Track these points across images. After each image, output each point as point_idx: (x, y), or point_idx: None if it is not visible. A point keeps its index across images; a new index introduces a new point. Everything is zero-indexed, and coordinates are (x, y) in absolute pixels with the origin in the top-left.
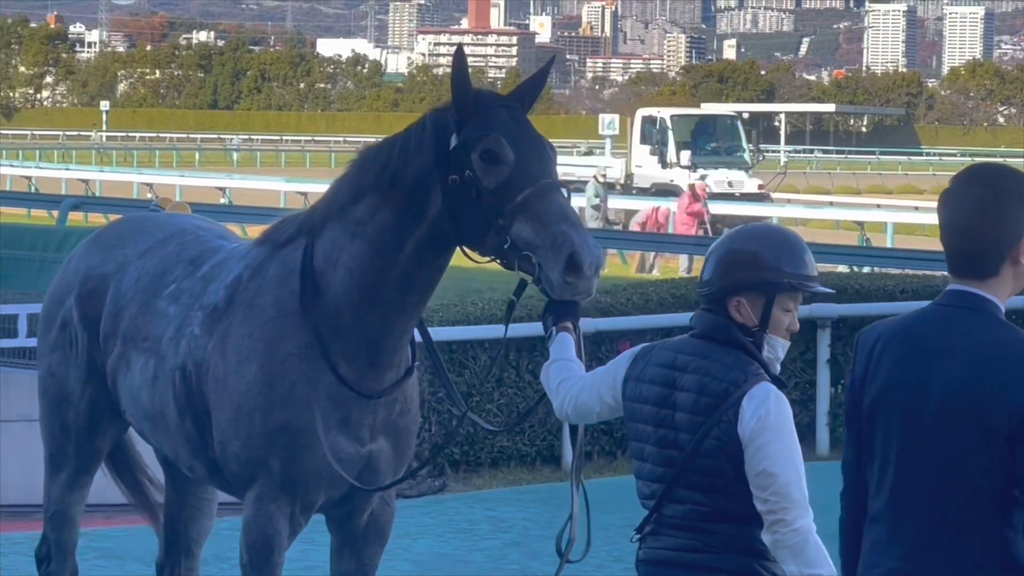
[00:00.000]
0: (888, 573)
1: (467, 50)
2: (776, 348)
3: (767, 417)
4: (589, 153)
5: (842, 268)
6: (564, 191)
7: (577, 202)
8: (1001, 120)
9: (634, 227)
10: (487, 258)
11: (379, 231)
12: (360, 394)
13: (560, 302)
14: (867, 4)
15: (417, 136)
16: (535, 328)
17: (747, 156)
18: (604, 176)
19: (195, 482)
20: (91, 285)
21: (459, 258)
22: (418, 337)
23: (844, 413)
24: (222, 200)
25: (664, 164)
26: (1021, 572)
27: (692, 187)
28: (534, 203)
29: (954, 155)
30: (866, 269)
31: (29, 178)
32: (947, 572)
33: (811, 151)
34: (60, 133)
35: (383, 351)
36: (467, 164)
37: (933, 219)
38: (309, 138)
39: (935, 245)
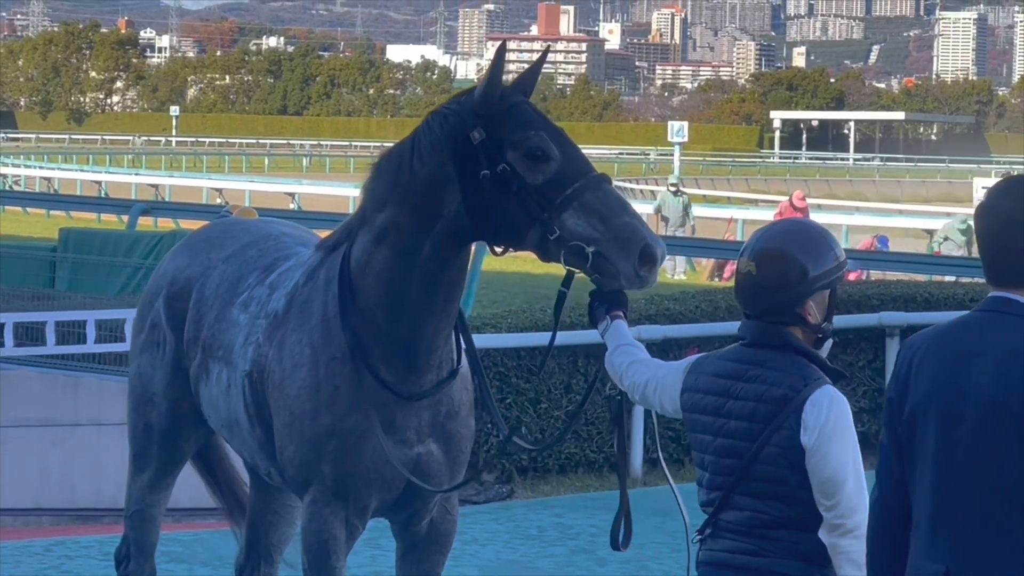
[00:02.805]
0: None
1: (535, 57)
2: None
3: (828, 423)
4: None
5: (920, 277)
6: (612, 184)
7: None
8: None
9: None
10: (519, 250)
11: (399, 235)
12: (399, 396)
13: (611, 292)
14: (937, 12)
15: (426, 137)
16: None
17: None
18: (676, 186)
19: (278, 489)
20: (177, 288)
21: (528, 264)
22: (483, 343)
23: (884, 421)
24: (291, 205)
25: None
26: None
27: (790, 198)
28: (586, 195)
29: None
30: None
31: (99, 183)
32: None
33: (872, 159)
34: (131, 137)
35: (419, 353)
36: (501, 159)
37: None
38: (378, 144)
39: None
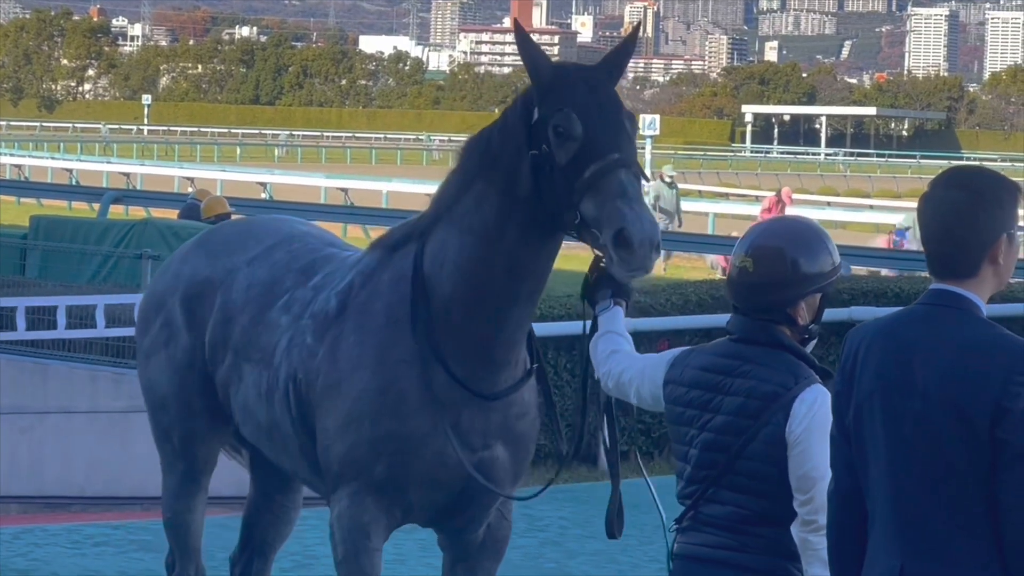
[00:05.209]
0: (887, 571)
1: (508, 48)
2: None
3: (814, 421)
4: None
5: (882, 272)
6: (631, 168)
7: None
8: None
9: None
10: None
11: (483, 219)
12: (476, 395)
13: (617, 280)
14: (909, 8)
15: (512, 113)
16: (574, 327)
17: None
18: (671, 177)
19: (279, 489)
20: (197, 290)
21: None
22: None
23: (832, 412)
24: (263, 195)
25: None
26: None
27: (778, 192)
28: (598, 179)
29: (995, 160)
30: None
31: (70, 171)
32: (947, 572)
33: (835, 154)
34: (101, 125)
35: (496, 347)
36: (544, 139)
37: None
38: (350, 134)
39: None
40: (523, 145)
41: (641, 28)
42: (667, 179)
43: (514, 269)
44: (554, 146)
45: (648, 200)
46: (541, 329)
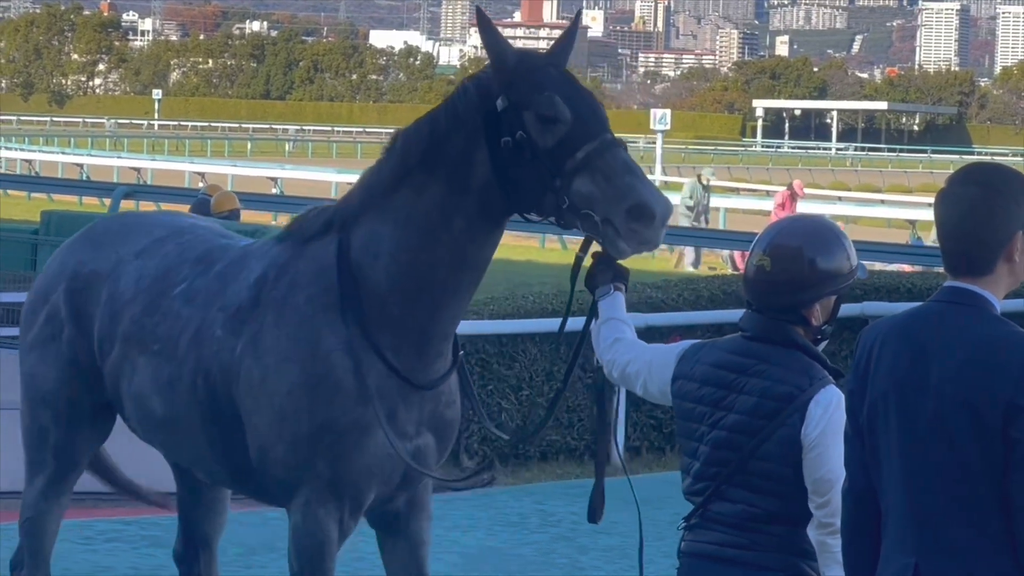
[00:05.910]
0: (901, 569)
1: (519, 43)
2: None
3: (830, 423)
4: None
5: (906, 267)
6: (625, 148)
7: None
8: None
9: None
10: (544, 219)
11: (426, 212)
12: (414, 385)
13: (615, 264)
14: (920, 2)
15: (462, 102)
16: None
17: None
18: (708, 180)
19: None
20: (82, 282)
21: (508, 251)
22: (464, 330)
23: (846, 411)
24: (274, 190)
25: None
26: None
27: (790, 186)
28: (595, 159)
29: (1006, 155)
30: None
31: (81, 166)
32: (961, 570)
33: (845, 149)
34: (105, 120)
35: (433, 340)
36: (519, 125)
37: None
38: (360, 129)
39: None
40: (478, 134)
41: (579, 19)
42: (704, 181)
43: (458, 261)
44: (535, 131)
45: (683, 196)
46: (546, 325)
